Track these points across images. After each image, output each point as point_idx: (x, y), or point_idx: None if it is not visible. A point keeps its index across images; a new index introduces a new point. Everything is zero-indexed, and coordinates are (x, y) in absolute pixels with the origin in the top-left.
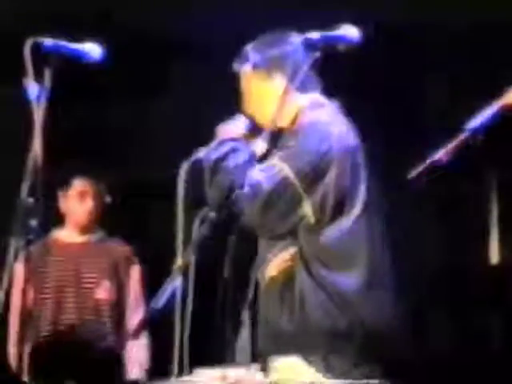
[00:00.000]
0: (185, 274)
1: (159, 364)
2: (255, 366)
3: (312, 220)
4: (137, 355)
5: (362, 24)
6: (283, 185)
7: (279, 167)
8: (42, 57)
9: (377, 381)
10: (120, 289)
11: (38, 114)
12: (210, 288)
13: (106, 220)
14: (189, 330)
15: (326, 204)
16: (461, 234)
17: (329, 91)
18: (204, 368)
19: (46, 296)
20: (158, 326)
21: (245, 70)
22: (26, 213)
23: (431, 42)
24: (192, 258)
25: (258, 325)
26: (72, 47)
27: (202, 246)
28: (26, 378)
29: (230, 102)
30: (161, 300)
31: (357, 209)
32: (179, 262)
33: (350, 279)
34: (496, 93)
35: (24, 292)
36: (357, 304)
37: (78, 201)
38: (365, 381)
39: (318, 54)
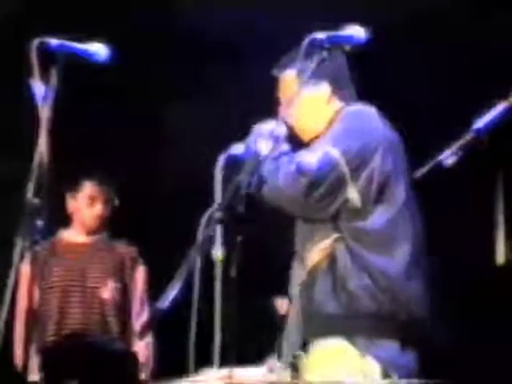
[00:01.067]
0: (225, 269)
1: (165, 364)
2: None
3: (358, 204)
4: (142, 355)
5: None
6: (330, 166)
7: (327, 150)
8: (48, 56)
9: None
10: (125, 289)
11: (44, 114)
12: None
13: (112, 220)
14: (195, 329)
15: (370, 188)
16: (466, 234)
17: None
18: (210, 368)
19: (52, 296)
20: (163, 326)
21: (287, 77)
22: (31, 213)
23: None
24: (197, 259)
25: (302, 312)
26: (78, 47)
27: (208, 246)
28: (35, 378)
29: (240, 104)
30: (166, 300)
31: (401, 196)
32: (219, 255)
33: (393, 262)
34: (502, 93)
35: (30, 292)
36: (400, 287)
37: (87, 204)
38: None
39: (324, 54)
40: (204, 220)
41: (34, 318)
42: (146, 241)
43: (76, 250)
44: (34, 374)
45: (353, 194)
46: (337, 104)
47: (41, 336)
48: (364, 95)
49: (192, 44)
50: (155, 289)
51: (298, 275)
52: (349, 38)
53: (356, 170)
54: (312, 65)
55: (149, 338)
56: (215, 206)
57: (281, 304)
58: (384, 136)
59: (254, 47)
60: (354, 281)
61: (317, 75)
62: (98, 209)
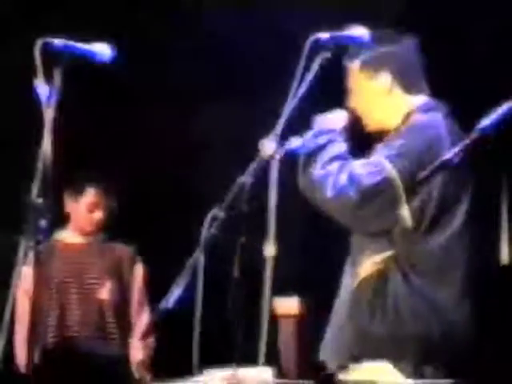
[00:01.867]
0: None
1: (169, 364)
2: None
3: (409, 224)
4: (142, 353)
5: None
6: (384, 183)
7: (383, 165)
8: (52, 57)
9: None
10: (124, 289)
11: (48, 115)
12: (219, 288)
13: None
14: (199, 330)
15: (425, 210)
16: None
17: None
18: (214, 368)
19: (50, 298)
20: (167, 326)
21: (353, 67)
22: (35, 213)
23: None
24: (201, 258)
25: (347, 325)
26: (82, 48)
27: (212, 246)
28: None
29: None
30: (170, 300)
31: (458, 220)
32: (271, 251)
33: (444, 291)
34: (507, 92)
35: (32, 294)
36: (451, 315)
37: (87, 210)
38: None
39: (328, 55)
40: (208, 220)
41: (35, 319)
42: (145, 241)
43: (73, 251)
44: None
45: (405, 213)
46: (410, 101)
47: (40, 337)
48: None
49: (197, 45)
50: (155, 289)
51: (347, 283)
52: (352, 39)
53: (411, 190)
54: (316, 66)
55: (150, 338)
56: (219, 206)
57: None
58: (443, 150)
59: (257, 48)
60: (405, 304)
61: (377, 64)
62: (98, 215)
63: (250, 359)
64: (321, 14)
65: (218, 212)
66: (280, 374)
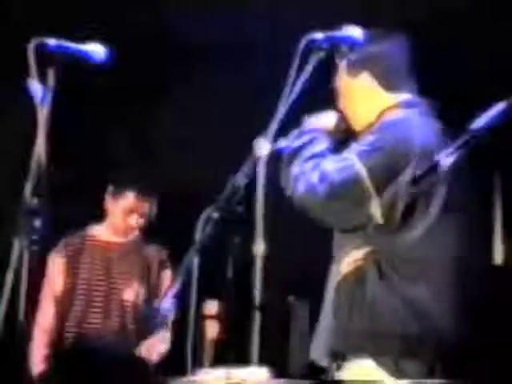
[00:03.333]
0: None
1: (164, 364)
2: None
3: (380, 220)
4: (158, 348)
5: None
6: (353, 180)
7: (353, 161)
8: (45, 57)
9: None
10: (151, 292)
11: (42, 115)
12: (213, 289)
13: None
14: (193, 330)
15: (395, 206)
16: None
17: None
18: (208, 368)
19: (76, 293)
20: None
21: (340, 66)
22: (30, 213)
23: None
24: (195, 259)
25: (331, 323)
26: (76, 48)
27: (206, 247)
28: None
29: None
30: (165, 301)
31: (431, 215)
32: (260, 250)
33: (422, 288)
34: (501, 93)
35: (64, 286)
36: (429, 312)
37: (124, 213)
38: None
39: (322, 55)
40: (201, 220)
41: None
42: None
43: (104, 248)
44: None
45: (374, 209)
46: (389, 99)
47: (61, 335)
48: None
49: (190, 45)
50: None
51: (332, 280)
52: (346, 39)
53: (380, 186)
54: (310, 66)
55: (165, 332)
56: (213, 206)
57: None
58: (421, 151)
59: (251, 48)
60: (383, 301)
61: (359, 64)
62: (133, 220)
63: (245, 359)
64: (316, 14)
65: (211, 212)
66: None
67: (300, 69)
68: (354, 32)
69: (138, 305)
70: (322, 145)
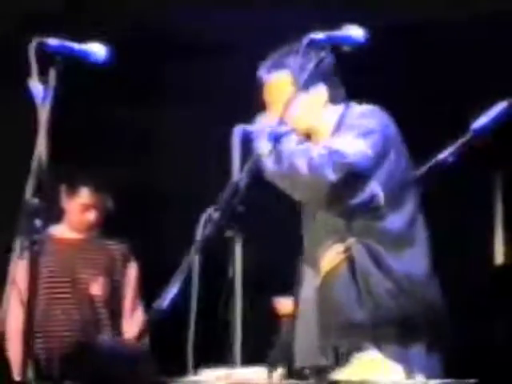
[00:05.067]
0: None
1: (164, 364)
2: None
3: (381, 200)
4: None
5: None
6: (362, 158)
7: (356, 141)
8: (46, 57)
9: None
10: (116, 286)
11: (43, 115)
12: (214, 288)
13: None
14: (193, 330)
15: (391, 184)
16: (465, 233)
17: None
18: (209, 368)
19: (41, 293)
20: (162, 325)
21: (279, 77)
22: (30, 213)
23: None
24: (196, 259)
25: (324, 318)
26: (77, 47)
27: (207, 247)
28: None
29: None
30: (165, 300)
31: (415, 195)
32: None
33: (414, 263)
34: (501, 93)
35: (27, 289)
36: (422, 288)
37: (80, 210)
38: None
39: (323, 55)
40: (202, 220)
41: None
42: (140, 240)
43: (66, 247)
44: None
45: (377, 188)
46: (332, 105)
47: (31, 334)
48: (362, 93)
49: (191, 44)
50: (150, 288)
51: (310, 279)
52: (347, 39)
53: (379, 164)
54: (310, 66)
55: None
56: (214, 206)
57: (282, 304)
58: (395, 133)
59: (252, 47)
60: (377, 285)
61: (313, 76)
62: (91, 216)
63: (245, 359)
64: (317, 13)
65: (212, 212)
66: None
67: (301, 69)
68: (354, 32)
69: (107, 299)
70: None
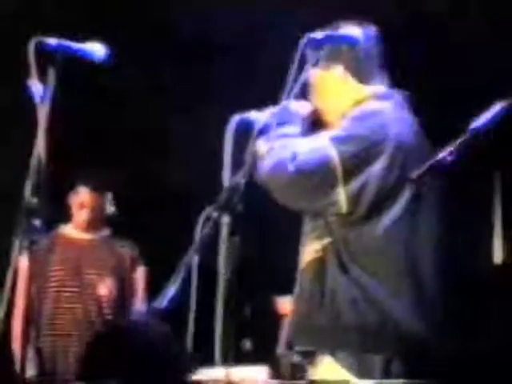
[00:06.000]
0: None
1: None
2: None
3: (344, 209)
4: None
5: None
6: (324, 161)
7: (325, 144)
8: (46, 56)
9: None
10: (123, 288)
11: (42, 114)
12: (213, 288)
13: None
14: (192, 330)
15: (362, 196)
16: (465, 234)
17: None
18: (207, 368)
19: (49, 292)
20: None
21: (312, 60)
22: (29, 213)
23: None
24: (195, 258)
25: (292, 312)
26: (76, 47)
27: (206, 246)
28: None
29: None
30: (163, 300)
31: (397, 209)
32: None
33: (380, 283)
34: (500, 92)
35: (28, 288)
36: (387, 308)
37: (78, 208)
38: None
39: (321, 54)
40: (201, 219)
41: (32, 314)
42: (144, 242)
43: (74, 246)
44: (31, 371)
45: (341, 196)
46: (363, 91)
47: (36, 333)
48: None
49: (191, 44)
50: (153, 289)
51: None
52: (346, 38)
53: (349, 174)
54: (309, 65)
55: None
56: (213, 205)
57: (283, 303)
58: (395, 143)
59: (253, 47)
60: (343, 294)
61: (331, 58)
62: (85, 214)
63: (243, 358)
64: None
65: (211, 212)
66: None
67: (300, 68)
68: (354, 31)
69: (113, 300)
70: (295, 128)
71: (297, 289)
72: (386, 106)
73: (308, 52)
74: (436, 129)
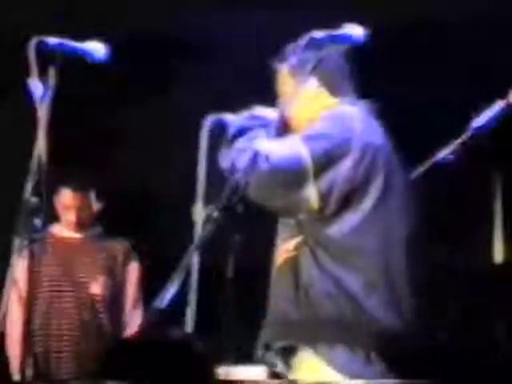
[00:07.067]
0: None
1: None
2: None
3: (315, 206)
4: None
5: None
6: (294, 160)
7: (296, 143)
8: (46, 56)
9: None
10: (117, 285)
11: (42, 114)
12: (213, 288)
13: (107, 218)
14: (192, 329)
15: (331, 193)
16: (465, 233)
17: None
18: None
19: (40, 291)
20: (161, 324)
21: (282, 69)
22: (29, 212)
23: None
24: (195, 258)
25: (268, 312)
26: (76, 46)
27: (206, 246)
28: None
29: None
30: (164, 299)
31: (366, 205)
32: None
33: (354, 277)
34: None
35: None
36: (362, 302)
37: (64, 209)
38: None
39: (323, 54)
40: (201, 219)
41: (28, 315)
42: (142, 240)
43: (66, 246)
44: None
45: (311, 193)
46: (329, 99)
47: (31, 333)
48: (362, 94)
49: (190, 45)
50: (152, 288)
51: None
52: (347, 38)
53: (319, 171)
54: (309, 65)
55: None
56: (213, 205)
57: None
58: (362, 142)
59: (252, 46)
60: (317, 288)
61: (304, 70)
62: (72, 216)
63: (244, 358)
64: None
65: (211, 211)
66: None
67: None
68: (354, 31)
69: (107, 299)
70: (268, 131)
71: (272, 288)
72: (353, 109)
73: (307, 52)
74: (436, 129)
